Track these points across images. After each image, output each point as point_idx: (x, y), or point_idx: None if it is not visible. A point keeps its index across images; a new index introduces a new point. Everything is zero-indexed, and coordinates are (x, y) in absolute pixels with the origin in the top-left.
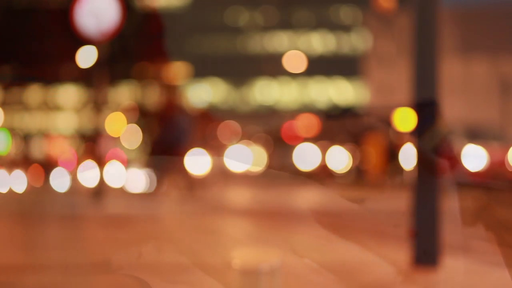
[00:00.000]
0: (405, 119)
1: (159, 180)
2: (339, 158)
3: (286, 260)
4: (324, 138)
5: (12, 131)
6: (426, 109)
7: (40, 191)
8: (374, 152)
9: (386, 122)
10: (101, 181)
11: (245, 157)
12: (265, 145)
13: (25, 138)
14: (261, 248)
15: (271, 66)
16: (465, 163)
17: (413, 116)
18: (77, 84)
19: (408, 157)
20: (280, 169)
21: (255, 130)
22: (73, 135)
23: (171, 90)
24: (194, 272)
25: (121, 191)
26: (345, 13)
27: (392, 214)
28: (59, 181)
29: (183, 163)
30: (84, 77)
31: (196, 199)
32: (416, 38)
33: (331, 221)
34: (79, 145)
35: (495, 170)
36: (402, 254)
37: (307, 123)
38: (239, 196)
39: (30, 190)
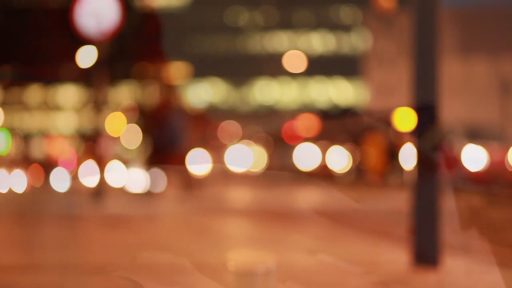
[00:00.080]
0: (405, 119)
1: (159, 180)
2: (339, 158)
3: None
4: (324, 138)
5: (12, 131)
6: (424, 113)
7: (40, 191)
8: (374, 152)
9: (386, 122)
10: (101, 181)
11: (245, 157)
12: (265, 145)
13: (25, 138)
14: (260, 248)
15: (271, 66)
16: (465, 163)
17: (413, 117)
18: (77, 84)
19: (408, 157)
20: (280, 169)
21: (255, 130)
22: (73, 135)
23: (167, 90)
24: (189, 274)
25: (122, 191)
26: (345, 13)
27: (392, 214)
28: (59, 181)
29: (182, 163)
30: (84, 77)
31: (195, 199)
32: (416, 38)
33: (331, 221)
34: (79, 145)
35: (495, 170)
36: (402, 254)
37: (307, 123)
38: (239, 196)
39: (30, 190)
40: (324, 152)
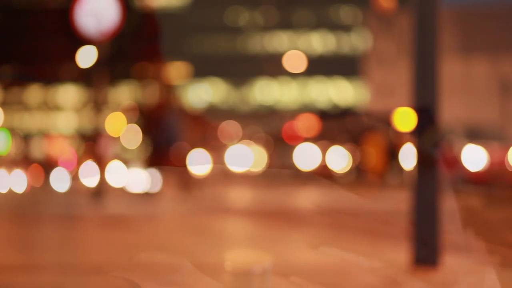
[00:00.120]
0: (405, 119)
1: (157, 180)
2: (339, 158)
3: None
4: (324, 138)
5: (12, 131)
6: (423, 114)
7: (40, 191)
8: (374, 152)
9: (386, 122)
10: (101, 181)
11: (245, 157)
12: (266, 145)
13: (25, 138)
14: (260, 248)
15: (271, 66)
16: (465, 163)
17: (413, 117)
18: (77, 84)
19: (408, 157)
20: (280, 169)
21: (255, 130)
22: (73, 135)
23: (165, 90)
24: (188, 273)
25: (122, 191)
26: (345, 13)
27: (392, 214)
28: (59, 181)
29: (179, 163)
30: (84, 77)
31: (193, 199)
32: (416, 38)
33: (331, 221)
34: (79, 145)
35: (495, 170)
36: (402, 254)
37: (307, 123)
38: (239, 196)
39: (30, 190)
40: (324, 152)
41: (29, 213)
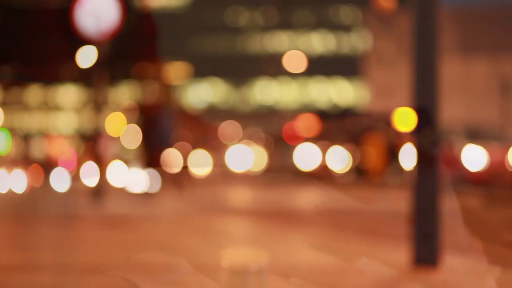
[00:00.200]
0: (405, 119)
1: (156, 180)
2: (339, 158)
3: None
4: (324, 138)
5: (12, 131)
6: (421, 114)
7: (40, 191)
8: (374, 152)
9: (386, 122)
10: (101, 181)
11: (245, 157)
12: (266, 145)
13: (25, 138)
14: (260, 248)
15: (271, 66)
16: (465, 163)
17: (413, 117)
18: (77, 84)
19: (408, 157)
20: (281, 169)
21: (255, 130)
22: (73, 135)
23: (161, 90)
24: (186, 273)
25: (122, 191)
26: (345, 13)
27: (392, 214)
28: (59, 181)
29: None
30: (84, 77)
31: (186, 198)
32: (416, 38)
33: (331, 221)
34: (79, 145)
35: (495, 170)
36: (402, 254)
37: (307, 123)
38: (239, 196)
39: (30, 190)
40: (324, 152)
41: (29, 213)
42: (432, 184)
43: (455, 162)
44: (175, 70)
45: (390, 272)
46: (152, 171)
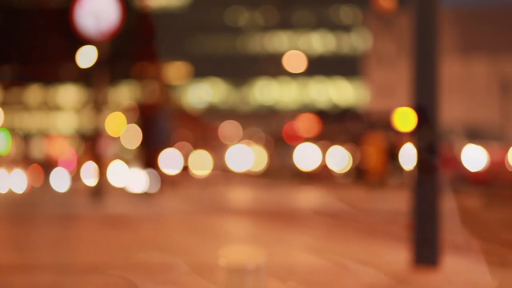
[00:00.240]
0: (405, 119)
1: (155, 180)
2: (339, 158)
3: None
4: (324, 138)
5: (12, 131)
6: (418, 115)
7: (40, 191)
8: (374, 152)
9: (386, 122)
10: (101, 181)
11: (246, 157)
12: (266, 145)
13: (25, 138)
14: (259, 248)
15: (271, 66)
16: (465, 163)
17: (413, 117)
18: (77, 84)
19: (408, 157)
20: (281, 169)
21: (255, 130)
22: (73, 135)
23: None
24: (183, 273)
25: (122, 191)
26: (345, 13)
27: (392, 214)
28: (59, 181)
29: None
30: (84, 77)
31: (182, 198)
32: (416, 38)
33: (331, 221)
34: (79, 145)
35: (495, 170)
36: (402, 254)
37: (307, 123)
38: (240, 196)
39: (30, 190)
40: (324, 152)
41: (29, 213)
42: (432, 184)
43: (455, 162)
44: (175, 70)
45: (390, 272)
46: (151, 171)
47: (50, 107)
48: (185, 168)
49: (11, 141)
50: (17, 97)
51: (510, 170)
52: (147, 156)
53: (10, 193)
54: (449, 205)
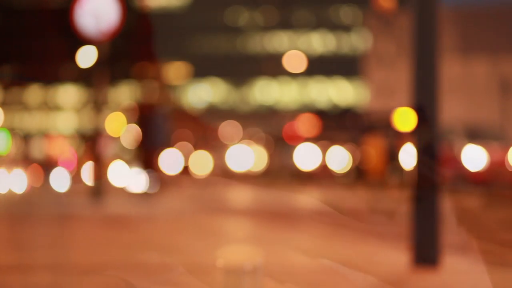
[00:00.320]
0: (405, 119)
1: (155, 180)
2: (339, 158)
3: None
4: (324, 138)
5: (12, 131)
6: (418, 114)
7: (40, 191)
8: (374, 152)
9: (386, 122)
10: (101, 181)
11: (246, 157)
12: (266, 145)
13: (25, 138)
14: (259, 248)
15: (271, 66)
16: (465, 163)
17: (412, 117)
18: (77, 84)
19: (408, 157)
20: (281, 169)
21: (255, 130)
22: (73, 135)
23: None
24: (182, 273)
25: (122, 191)
26: (345, 13)
27: (392, 214)
28: (59, 181)
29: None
30: (84, 77)
31: (172, 197)
32: (416, 38)
33: (331, 221)
34: (79, 145)
35: (495, 170)
36: (402, 254)
37: (307, 123)
38: (240, 196)
39: (30, 190)
40: (324, 152)
41: (29, 213)
42: (432, 184)
43: (455, 162)
44: (175, 70)
45: (390, 272)
46: (150, 171)
47: (50, 107)
48: (186, 168)
49: (11, 141)
50: (17, 97)
51: (510, 170)
52: (145, 156)
53: (10, 193)
54: (449, 205)
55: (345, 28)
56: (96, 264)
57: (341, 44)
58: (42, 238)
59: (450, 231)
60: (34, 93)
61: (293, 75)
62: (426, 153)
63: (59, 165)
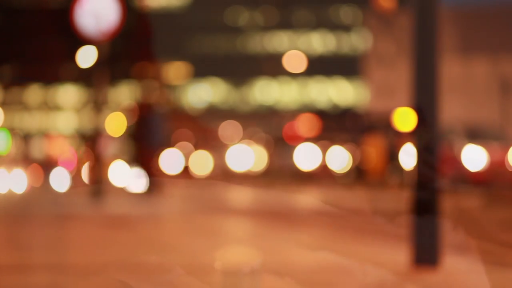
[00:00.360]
0: (405, 119)
1: (150, 180)
2: (339, 158)
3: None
4: (324, 138)
5: (12, 131)
6: (417, 114)
7: (40, 191)
8: (374, 152)
9: (386, 122)
10: (101, 181)
11: (246, 157)
12: (266, 145)
13: (25, 138)
14: (259, 248)
15: (271, 66)
16: (465, 163)
17: (412, 117)
18: (77, 84)
19: (408, 157)
20: (281, 169)
21: (255, 130)
22: (73, 135)
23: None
24: (181, 274)
25: (122, 190)
26: (345, 13)
27: (392, 214)
28: (59, 181)
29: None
30: (84, 77)
31: (172, 197)
32: (416, 38)
33: (331, 221)
34: (79, 145)
35: (495, 170)
36: (402, 254)
37: (307, 123)
38: (240, 196)
39: (29, 190)
40: (324, 152)
41: (29, 213)
42: (431, 184)
43: (455, 162)
44: (175, 70)
45: (389, 272)
46: (148, 171)
47: (50, 107)
48: (186, 168)
49: (11, 141)
50: (17, 97)
51: (510, 170)
52: (142, 156)
53: (10, 193)
54: (449, 205)
55: (345, 28)
56: (95, 264)
57: (341, 44)
58: (42, 238)
59: (450, 231)
60: (34, 93)
61: (293, 75)
62: (426, 153)
63: (59, 165)
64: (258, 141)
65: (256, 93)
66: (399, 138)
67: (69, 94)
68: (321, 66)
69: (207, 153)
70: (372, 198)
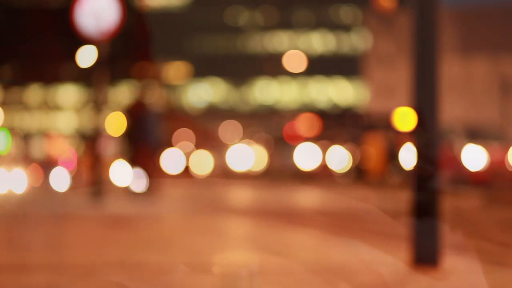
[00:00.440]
0: (405, 119)
1: (148, 179)
2: (339, 158)
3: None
4: (324, 138)
5: (12, 131)
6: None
7: (40, 191)
8: (374, 152)
9: (386, 122)
10: (101, 180)
11: (246, 157)
12: (266, 145)
13: (25, 137)
14: (259, 248)
15: (271, 66)
16: (465, 163)
17: (412, 117)
18: (77, 84)
19: (408, 157)
20: (281, 169)
21: (255, 130)
22: (73, 135)
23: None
24: (181, 274)
25: (122, 190)
26: (345, 13)
27: (392, 214)
28: (59, 180)
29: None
30: (84, 77)
31: (172, 197)
32: (416, 38)
33: (331, 221)
34: (79, 145)
35: (495, 170)
36: (402, 254)
37: (308, 123)
38: (240, 196)
39: (29, 189)
40: (324, 152)
41: (29, 213)
42: (432, 184)
43: (455, 162)
44: (175, 70)
45: (389, 272)
46: (144, 170)
47: (50, 107)
48: (186, 168)
49: (11, 141)
50: (17, 97)
51: (510, 170)
52: (138, 156)
53: (10, 193)
54: (448, 205)
55: (345, 28)
56: (95, 264)
57: (341, 44)
58: (42, 238)
59: (450, 231)
60: (34, 93)
61: (293, 75)
62: (426, 153)
63: (59, 165)
64: (258, 141)
65: (256, 93)
66: (399, 138)
67: (69, 94)
68: (321, 66)
69: (208, 152)
70: (372, 198)
